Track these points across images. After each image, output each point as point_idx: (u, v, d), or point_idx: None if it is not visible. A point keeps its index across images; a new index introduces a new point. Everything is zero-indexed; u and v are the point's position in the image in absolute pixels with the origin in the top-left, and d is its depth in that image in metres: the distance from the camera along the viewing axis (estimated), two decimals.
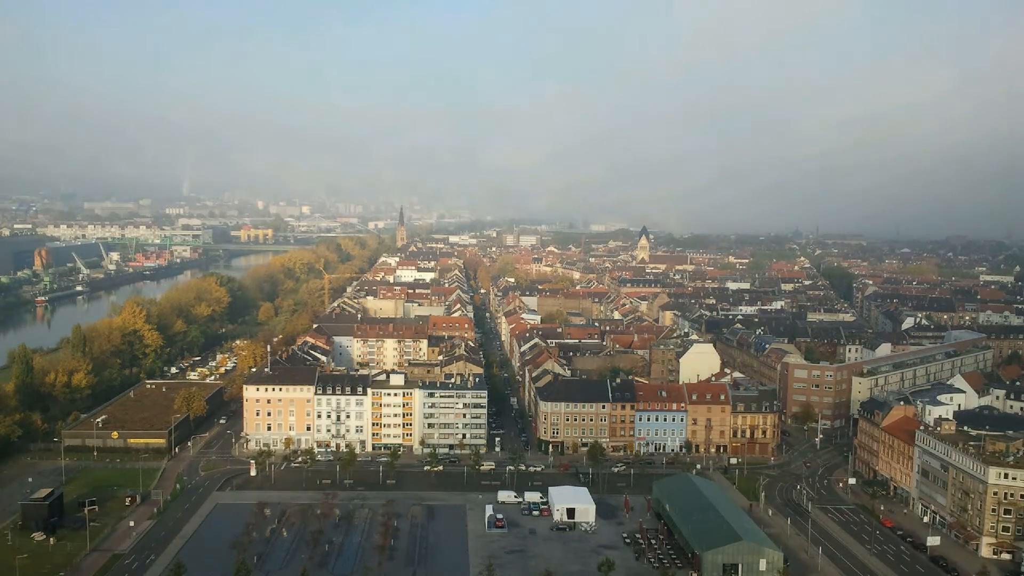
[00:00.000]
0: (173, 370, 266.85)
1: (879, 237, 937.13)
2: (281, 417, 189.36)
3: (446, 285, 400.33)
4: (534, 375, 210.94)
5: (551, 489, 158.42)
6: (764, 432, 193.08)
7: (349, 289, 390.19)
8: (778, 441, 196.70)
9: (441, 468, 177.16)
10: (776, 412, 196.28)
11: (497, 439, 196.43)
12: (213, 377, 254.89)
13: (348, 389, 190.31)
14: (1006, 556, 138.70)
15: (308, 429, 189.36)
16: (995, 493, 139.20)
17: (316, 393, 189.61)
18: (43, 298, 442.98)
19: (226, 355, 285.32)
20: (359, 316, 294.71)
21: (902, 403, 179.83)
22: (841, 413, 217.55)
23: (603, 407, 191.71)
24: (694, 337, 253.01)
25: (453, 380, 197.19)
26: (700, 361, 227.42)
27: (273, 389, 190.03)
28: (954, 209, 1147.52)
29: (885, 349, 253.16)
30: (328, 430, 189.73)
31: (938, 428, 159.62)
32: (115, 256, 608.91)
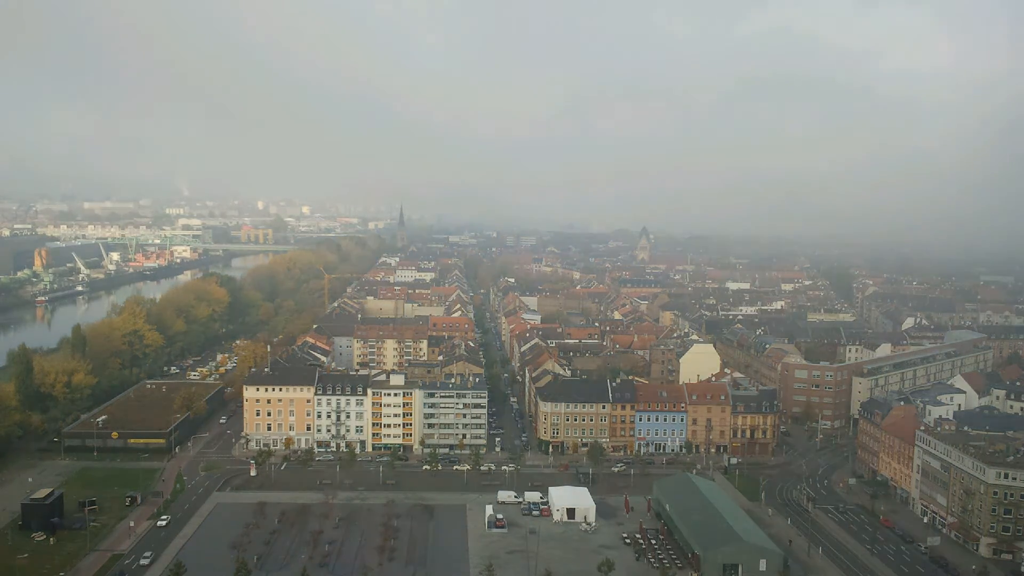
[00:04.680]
0: (173, 370, 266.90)
1: (879, 238, 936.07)
2: (281, 417, 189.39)
3: (446, 285, 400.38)
4: (534, 375, 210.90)
5: (551, 489, 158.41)
6: (764, 432, 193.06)
7: (349, 289, 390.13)
8: (778, 441, 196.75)
9: (440, 467, 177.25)
10: (776, 412, 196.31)
11: (497, 439, 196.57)
12: (213, 377, 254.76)
13: (348, 389, 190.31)
14: (1006, 556, 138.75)
15: (308, 429, 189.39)
16: (995, 493, 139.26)
17: (316, 393, 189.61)
18: (43, 298, 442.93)
19: (226, 355, 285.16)
20: (359, 316, 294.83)
21: (902, 403, 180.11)
22: (841, 413, 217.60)
23: (603, 407, 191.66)
24: (694, 337, 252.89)
25: (453, 380, 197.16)
26: (700, 361, 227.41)
27: (273, 389, 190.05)
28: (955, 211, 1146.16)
29: (885, 349, 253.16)
30: (328, 430, 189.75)
31: (938, 428, 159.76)
32: (115, 256, 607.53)
